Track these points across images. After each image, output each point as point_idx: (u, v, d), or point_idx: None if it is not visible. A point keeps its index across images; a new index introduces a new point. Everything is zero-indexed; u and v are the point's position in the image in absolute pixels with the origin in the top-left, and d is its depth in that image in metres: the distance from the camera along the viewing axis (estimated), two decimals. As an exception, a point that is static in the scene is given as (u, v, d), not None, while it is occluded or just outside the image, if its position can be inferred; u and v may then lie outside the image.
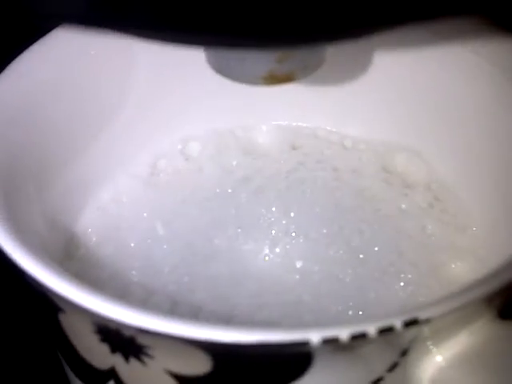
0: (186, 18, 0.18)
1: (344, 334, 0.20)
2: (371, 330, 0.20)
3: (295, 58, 0.26)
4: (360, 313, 0.30)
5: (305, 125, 0.39)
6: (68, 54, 0.33)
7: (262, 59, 0.26)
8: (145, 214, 0.35)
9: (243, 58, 0.26)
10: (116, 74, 0.35)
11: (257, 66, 0.26)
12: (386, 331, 0.20)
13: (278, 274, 0.33)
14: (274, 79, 0.26)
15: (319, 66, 0.28)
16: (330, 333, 0.20)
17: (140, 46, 0.32)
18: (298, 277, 0.33)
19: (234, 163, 0.37)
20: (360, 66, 0.37)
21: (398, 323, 0.20)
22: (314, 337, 0.20)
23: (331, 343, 0.20)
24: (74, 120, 0.34)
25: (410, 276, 0.32)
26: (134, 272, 0.33)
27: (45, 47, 0.33)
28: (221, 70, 0.27)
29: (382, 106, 0.37)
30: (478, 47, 0.32)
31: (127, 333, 0.22)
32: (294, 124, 0.39)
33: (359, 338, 0.20)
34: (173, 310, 0.31)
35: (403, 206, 0.35)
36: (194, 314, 0.31)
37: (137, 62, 0.35)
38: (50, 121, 0.32)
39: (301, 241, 0.34)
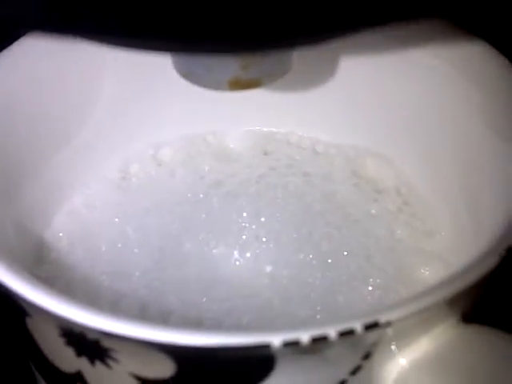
0: (148, 24, 0.18)
1: (305, 336, 0.20)
2: (332, 332, 0.20)
3: (260, 65, 0.27)
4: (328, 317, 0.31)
5: (276, 130, 0.39)
6: (36, 60, 0.33)
7: (227, 65, 0.26)
8: (116, 219, 0.35)
9: (208, 63, 0.26)
10: (86, 80, 0.35)
11: (222, 72, 0.27)
12: (347, 334, 0.20)
13: (248, 278, 0.33)
14: (240, 85, 0.27)
15: (285, 73, 0.28)
16: (290, 336, 0.20)
17: (110, 51, 0.32)
18: (267, 281, 0.33)
19: (206, 168, 0.38)
20: (330, 72, 0.37)
21: (358, 326, 0.20)
22: (276, 340, 0.20)
23: (292, 346, 0.20)
24: (44, 126, 0.34)
25: (378, 280, 0.32)
26: (104, 276, 0.33)
27: (12, 55, 0.33)
28: (187, 75, 0.28)
29: (352, 111, 0.37)
30: (444, 52, 0.33)
31: (91, 336, 0.22)
32: (266, 129, 0.39)
33: (320, 340, 0.20)
34: (142, 314, 0.31)
35: (373, 210, 0.35)
36: (164, 319, 0.31)
37: (107, 68, 0.36)
38: (19, 126, 0.32)
39: (271, 245, 0.34)
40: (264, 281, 0.33)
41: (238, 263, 0.34)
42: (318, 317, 0.31)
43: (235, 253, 0.34)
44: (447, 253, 0.33)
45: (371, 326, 0.21)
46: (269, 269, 0.33)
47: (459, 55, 0.32)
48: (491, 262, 0.22)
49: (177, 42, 0.19)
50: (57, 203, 0.36)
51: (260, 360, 0.22)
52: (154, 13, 0.18)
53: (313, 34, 0.20)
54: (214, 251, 0.34)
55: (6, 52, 0.33)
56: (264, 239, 0.34)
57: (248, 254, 0.34)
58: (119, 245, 0.34)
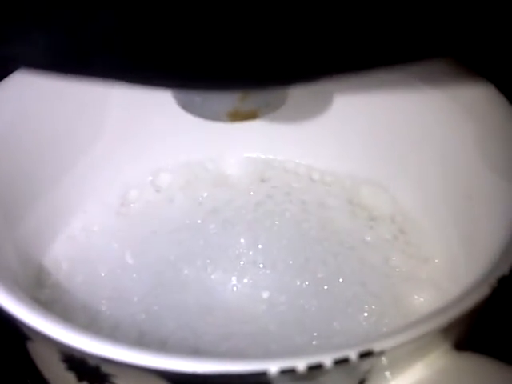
0: (151, 64, 0.19)
1: (301, 364, 0.21)
2: (327, 361, 0.21)
3: (258, 97, 0.27)
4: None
5: (274, 157, 0.40)
6: (41, 88, 0.34)
7: (226, 98, 0.27)
8: (115, 244, 0.36)
9: (208, 96, 0.27)
10: (87, 109, 0.36)
11: (220, 104, 0.27)
12: (342, 362, 0.21)
13: (245, 304, 0.34)
14: (238, 116, 0.27)
15: (282, 104, 0.29)
16: (287, 363, 0.21)
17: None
18: (264, 307, 0.33)
19: (204, 195, 0.38)
20: (328, 101, 0.37)
21: (353, 355, 0.21)
22: (272, 367, 0.21)
23: (289, 373, 0.21)
24: (44, 154, 0.34)
25: (373, 307, 0.32)
26: (103, 301, 0.33)
27: (15, 81, 0.33)
28: (186, 107, 0.28)
29: (348, 140, 0.38)
30: (443, 86, 0.33)
31: (92, 362, 0.23)
32: (263, 156, 0.40)
33: (316, 368, 0.21)
34: (140, 339, 0.31)
35: (368, 238, 0.35)
36: (162, 344, 0.31)
37: (108, 97, 0.36)
38: (19, 155, 0.33)
39: (268, 272, 0.34)
40: (261, 307, 0.33)
41: (235, 289, 0.34)
42: (314, 343, 0.31)
43: (233, 279, 0.34)
44: (442, 280, 0.33)
45: (365, 355, 0.21)
46: (266, 295, 0.34)
47: (457, 90, 0.33)
48: (483, 293, 0.23)
49: (178, 81, 0.20)
50: (56, 228, 0.36)
51: (257, 386, 0.22)
52: (159, 53, 0.19)
53: (310, 76, 0.21)
54: (212, 277, 0.34)
55: (6, 80, 0.33)
56: (261, 265, 0.35)
57: (245, 280, 0.34)
58: (118, 270, 0.35)
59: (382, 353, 0.21)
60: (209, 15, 0.18)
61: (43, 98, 0.34)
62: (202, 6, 0.18)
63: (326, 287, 0.33)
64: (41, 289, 0.34)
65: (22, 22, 0.18)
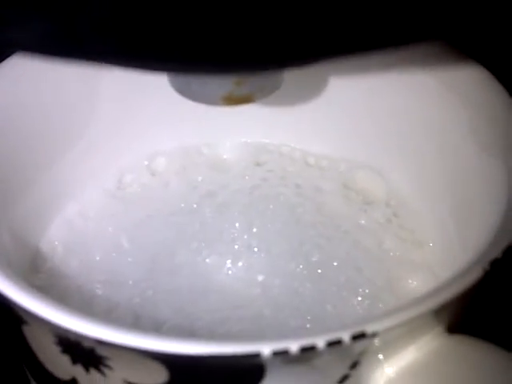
0: (146, 48, 0.19)
1: (294, 346, 0.21)
2: (320, 342, 0.21)
3: (253, 81, 0.27)
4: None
5: (269, 142, 0.40)
6: (32, 73, 0.34)
7: (221, 82, 0.27)
8: (110, 228, 0.36)
9: (202, 80, 0.27)
10: (82, 92, 0.36)
11: (216, 88, 0.27)
12: (335, 344, 0.21)
13: (239, 287, 0.34)
14: (233, 100, 0.27)
15: (277, 88, 0.29)
16: (280, 345, 0.21)
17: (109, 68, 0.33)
18: (259, 290, 0.33)
19: (199, 179, 0.38)
20: (322, 85, 0.38)
21: (345, 336, 0.21)
22: (265, 349, 0.21)
23: (282, 355, 0.21)
24: (40, 137, 0.34)
25: (367, 290, 0.32)
26: (98, 285, 0.33)
27: (7, 68, 0.33)
28: (182, 91, 0.28)
29: (344, 124, 0.38)
30: (437, 71, 0.33)
31: (87, 344, 0.23)
32: (259, 141, 0.40)
33: (309, 350, 0.21)
34: (136, 323, 0.32)
35: (362, 221, 0.36)
36: (157, 328, 0.31)
37: (103, 80, 0.36)
38: (15, 138, 0.33)
39: (262, 255, 0.35)
40: (255, 290, 0.33)
41: (230, 272, 0.34)
42: (308, 326, 0.31)
43: (227, 262, 0.34)
44: (435, 264, 0.33)
45: (358, 337, 0.21)
46: (260, 278, 0.34)
47: (451, 74, 0.33)
48: (475, 276, 0.23)
49: (173, 65, 0.20)
50: (52, 212, 0.36)
51: (250, 368, 0.22)
52: (155, 37, 0.19)
53: (305, 59, 0.21)
54: (207, 260, 0.35)
55: (2, 64, 0.33)
56: (256, 249, 0.35)
57: (240, 264, 0.34)
58: (113, 254, 0.35)
59: (374, 334, 0.21)
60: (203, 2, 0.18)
61: (38, 82, 0.34)
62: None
63: (319, 271, 0.33)
64: (36, 273, 0.34)
65: (20, 7, 0.18)
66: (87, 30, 0.18)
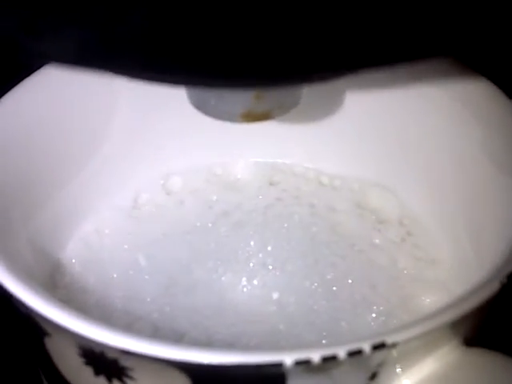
0: (173, 59, 0.20)
1: (315, 356, 0.21)
2: (341, 352, 0.21)
3: (272, 98, 0.28)
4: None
5: (282, 161, 0.40)
6: (51, 92, 0.35)
7: (240, 98, 0.27)
8: (126, 246, 0.36)
9: (222, 96, 0.28)
10: (100, 111, 0.37)
11: (235, 105, 0.28)
12: (355, 354, 0.21)
13: (255, 304, 0.34)
14: (252, 117, 0.28)
15: (296, 105, 0.30)
16: (302, 355, 0.21)
17: (122, 83, 0.33)
18: (274, 308, 0.34)
19: (214, 198, 0.39)
20: (336, 105, 0.38)
21: (366, 346, 0.21)
22: (288, 359, 0.21)
23: (303, 365, 0.21)
24: (60, 154, 0.35)
25: (381, 308, 0.33)
26: (117, 300, 0.34)
27: (31, 87, 0.34)
28: (200, 107, 0.29)
29: (357, 143, 0.39)
30: (449, 88, 0.34)
31: (110, 355, 0.23)
32: (272, 160, 0.41)
33: (330, 360, 0.21)
34: (155, 336, 0.32)
35: (376, 240, 0.36)
36: (177, 340, 0.32)
37: (119, 99, 0.37)
38: (35, 155, 0.34)
39: (277, 273, 0.35)
40: (271, 307, 0.34)
41: (245, 290, 0.35)
42: (324, 341, 0.32)
43: (243, 280, 0.35)
44: (449, 282, 0.34)
45: (378, 347, 0.22)
46: (275, 296, 0.34)
47: (462, 91, 0.33)
48: (492, 288, 0.23)
49: (195, 76, 0.21)
50: (69, 229, 0.37)
51: (271, 378, 0.22)
52: (177, 50, 0.19)
53: (325, 73, 0.21)
54: (223, 278, 0.35)
55: (23, 83, 0.34)
56: (270, 267, 0.35)
57: (255, 282, 0.35)
58: (130, 272, 0.35)
59: (394, 345, 0.22)
60: (227, 14, 0.19)
61: (58, 100, 0.35)
62: (222, 5, 0.19)
63: (334, 288, 0.34)
64: (55, 289, 0.34)
65: (54, 18, 0.19)
66: (119, 42, 0.19)
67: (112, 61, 0.19)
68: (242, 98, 0.27)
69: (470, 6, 0.21)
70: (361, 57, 0.21)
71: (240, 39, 0.19)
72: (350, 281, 0.34)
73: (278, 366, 0.21)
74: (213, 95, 0.28)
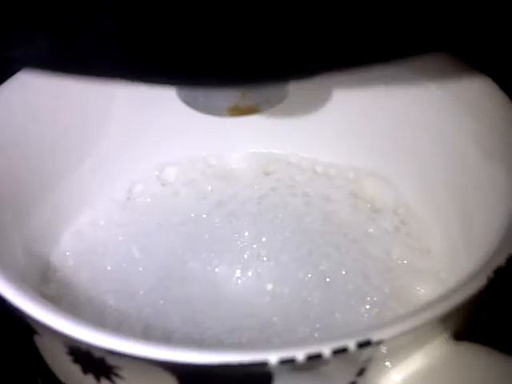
0: (152, 63, 0.19)
1: (300, 354, 0.21)
2: (326, 350, 0.21)
3: (258, 93, 0.28)
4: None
5: (277, 151, 0.40)
6: (45, 86, 0.34)
7: (227, 93, 0.27)
8: (120, 238, 0.36)
9: (209, 92, 0.27)
10: (94, 106, 0.36)
11: (222, 100, 0.28)
12: (340, 352, 0.21)
13: (249, 296, 0.34)
14: (238, 111, 0.28)
15: (283, 99, 0.30)
16: (287, 354, 0.21)
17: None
18: (268, 299, 0.34)
19: (209, 189, 0.39)
20: (331, 94, 0.38)
21: (351, 344, 0.21)
22: (272, 357, 0.21)
23: (288, 363, 0.21)
24: (54, 147, 0.35)
25: (375, 299, 0.33)
26: (109, 295, 0.34)
27: (20, 82, 0.34)
28: (189, 102, 0.29)
29: (351, 133, 0.39)
30: (443, 82, 0.34)
31: (97, 354, 0.23)
32: (267, 151, 0.40)
33: (315, 358, 0.21)
34: (146, 332, 0.32)
35: (370, 230, 0.36)
36: (167, 337, 0.32)
37: (115, 93, 0.37)
38: (28, 152, 0.34)
39: (271, 264, 0.35)
40: (265, 299, 0.34)
41: (239, 282, 0.34)
42: (316, 334, 0.31)
43: (237, 271, 0.35)
44: (443, 271, 0.34)
45: (364, 344, 0.21)
46: (269, 287, 0.34)
47: (457, 85, 0.33)
48: (479, 284, 0.23)
49: (178, 79, 0.20)
50: (64, 223, 0.37)
51: (258, 376, 0.22)
52: (160, 52, 0.19)
53: (309, 71, 0.21)
54: (217, 270, 0.35)
55: (15, 77, 0.34)
56: (265, 258, 0.35)
57: (249, 273, 0.35)
58: (124, 264, 0.35)
59: (380, 342, 0.22)
60: (207, 14, 0.18)
61: (49, 95, 0.35)
62: (201, 5, 0.18)
63: (328, 279, 0.34)
64: (48, 283, 0.34)
65: (25, 25, 0.19)
66: (93, 46, 0.19)
67: (84, 66, 0.19)
68: (229, 93, 0.27)
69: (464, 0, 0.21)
70: (349, 56, 0.21)
71: (220, 39, 0.19)
72: (343, 272, 0.34)
73: (263, 365, 0.21)
74: (200, 92, 0.28)
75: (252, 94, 0.27)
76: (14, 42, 0.19)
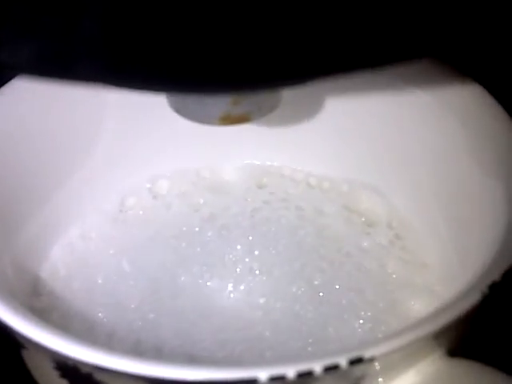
0: (138, 68, 0.19)
1: (290, 371, 0.21)
2: (317, 367, 0.21)
3: (250, 101, 0.27)
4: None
5: (270, 164, 0.40)
6: (37, 98, 0.34)
7: (218, 101, 0.27)
8: (111, 251, 0.36)
9: (200, 100, 0.27)
10: (85, 119, 0.36)
11: (213, 108, 0.27)
12: (332, 369, 0.21)
13: (241, 310, 0.34)
14: (230, 120, 0.27)
15: (276, 107, 0.29)
16: (276, 371, 0.21)
17: (108, 90, 0.33)
18: (260, 313, 0.33)
19: (201, 201, 0.38)
20: (324, 106, 0.38)
21: (343, 361, 0.21)
22: (262, 374, 0.21)
23: (278, 381, 0.21)
24: (42, 163, 0.35)
25: (369, 313, 0.32)
26: (100, 308, 0.33)
27: (11, 92, 0.34)
28: (179, 110, 0.28)
29: (345, 145, 0.38)
30: (434, 90, 0.33)
31: (85, 370, 0.23)
32: (260, 163, 0.40)
33: (306, 375, 0.21)
34: (137, 346, 0.31)
35: (365, 244, 0.36)
36: (158, 351, 0.31)
37: (106, 104, 0.36)
38: (17, 165, 0.33)
39: (264, 278, 0.34)
40: (257, 313, 0.33)
41: (231, 295, 0.34)
42: (310, 349, 0.31)
43: (229, 285, 0.34)
44: (437, 286, 0.33)
45: (356, 361, 0.21)
46: (262, 301, 0.34)
47: (447, 93, 0.33)
48: (474, 299, 0.23)
49: (168, 84, 0.20)
50: (54, 236, 0.36)
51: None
52: (147, 57, 0.19)
53: (299, 77, 0.21)
54: (209, 284, 0.35)
55: (2, 89, 0.34)
56: (257, 272, 0.35)
57: (242, 287, 0.34)
58: (114, 277, 0.35)
59: (372, 359, 0.21)
60: (198, 18, 0.18)
61: (39, 107, 0.34)
62: (192, 9, 0.18)
63: (321, 294, 0.33)
64: (38, 296, 0.34)
65: (9, 28, 0.19)
66: (76, 51, 0.18)
67: (70, 70, 0.19)
68: (220, 101, 0.27)
69: (455, 6, 0.20)
70: (340, 61, 0.21)
71: (210, 45, 0.19)
72: (337, 286, 0.34)
73: (253, 382, 0.21)
74: (191, 99, 0.28)
75: (243, 103, 0.27)
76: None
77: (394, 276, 0.34)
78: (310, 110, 0.38)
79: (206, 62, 0.19)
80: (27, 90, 0.34)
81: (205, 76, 0.20)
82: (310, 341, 0.31)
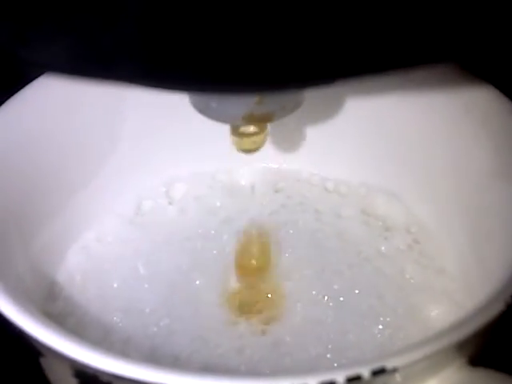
0: (172, 67, 0.19)
1: (312, 382, 0.20)
2: (339, 378, 0.21)
3: (273, 100, 0.27)
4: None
5: (287, 167, 0.40)
6: (56, 101, 0.34)
7: (242, 101, 0.27)
8: (127, 254, 0.36)
9: (224, 99, 0.27)
10: (102, 121, 0.36)
11: (237, 107, 0.27)
12: (355, 380, 0.21)
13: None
14: (254, 119, 0.27)
15: (298, 107, 0.29)
16: (298, 381, 0.20)
17: (127, 93, 0.33)
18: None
19: (218, 204, 0.38)
20: (341, 111, 0.37)
21: (365, 372, 0.21)
22: (284, 385, 0.20)
23: (301, 391, 0.21)
24: (62, 165, 0.35)
25: (388, 319, 0.32)
26: (116, 313, 0.33)
27: (32, 94, 0.34)
28: (203, 110, 0.28)
29: (362, 149, 0.38)
30: (454, 95, 0.33)
31: (104, 379, 0.23)
32: (276, 166, 0.40)
33: (328, 386, 0.21)
34: (153, 352, 0.31)
35: (383, 248, 0.35)
36: (174, 358, 0.31)
37: (124, 108, 0.36)
38: (36, 168, 0.33)
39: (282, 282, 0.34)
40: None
41: (249, 300, 0.34)
42: (329, 356, 0.31)
43: (246, 289, 0.34)
44: (456, 292, 0.33)
45: (378, 372, 0.21)
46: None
47: (468, 98, 0.33)
48: (497, 309, 0.23)
49: (196, 84, 0.20)
50: (70, 240, 0.36)
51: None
52: (180, 56, 0.19)
53: (325, 78, 0.21)
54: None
55: (25, 91, 0.33)
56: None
57: (259, 291, 0.34)
58: (130, 281, 0.35)
59: (395, 370, 0.21)
60: (226, 20, 0.18)
61: (57, 112, 0.34)
62: (221, 11, 0.18)
63: (341, 299, 0.33)
64: (54, 301, 0.34)
65: (46, 28, 0.18)
66: (111, 51, 0.18)
67: (104, 69, 0.19)
68: (244, 101, 0.27)
69: (472, 11, 0.20)
70: (361, 63, 0.21)
71: (239, 45, 0.19)
72: (356, 291, 0.33)
73: (274, 393, 0.21)
74: (214, 98, 0.27)
75: (267, 102, 0.27)
76: (33, 43, 0.19)
77: (413, 281, 0.34)
78: (327, 114, 0.38)
79: (242, 62, 0.19)
80: (48, 93, 0.34)
81: (236, 76, 0.20)
82: (330, 347, 0.31)
